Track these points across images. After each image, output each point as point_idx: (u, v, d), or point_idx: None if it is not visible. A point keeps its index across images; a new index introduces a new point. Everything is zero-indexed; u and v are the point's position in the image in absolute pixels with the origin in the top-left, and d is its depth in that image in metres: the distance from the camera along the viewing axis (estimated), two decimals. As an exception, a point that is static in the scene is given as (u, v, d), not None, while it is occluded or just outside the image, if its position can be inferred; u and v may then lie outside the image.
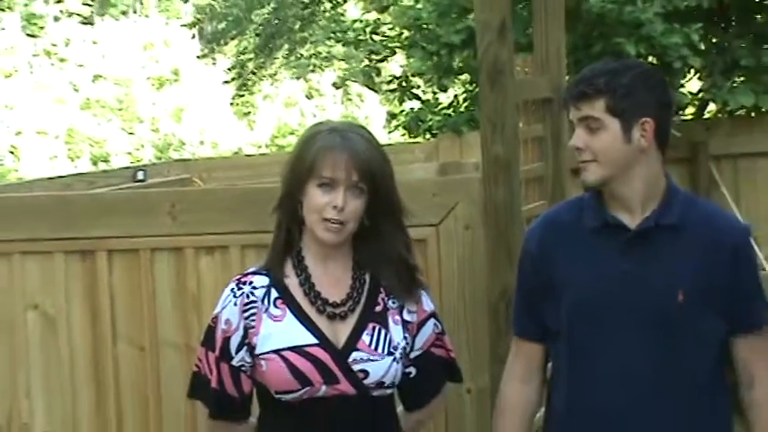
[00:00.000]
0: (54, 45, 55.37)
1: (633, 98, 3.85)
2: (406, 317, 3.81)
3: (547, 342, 4.06)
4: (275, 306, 3.71)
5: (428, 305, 3.89)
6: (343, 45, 18.52)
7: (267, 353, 3.68)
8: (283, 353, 3.66)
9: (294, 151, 3.77)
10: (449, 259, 5.06)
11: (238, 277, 3.78)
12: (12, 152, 48.78)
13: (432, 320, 3.89)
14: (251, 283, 3.74)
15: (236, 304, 3.72)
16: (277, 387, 3.68)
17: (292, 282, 3.76)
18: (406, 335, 3.80)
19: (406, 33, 13.92)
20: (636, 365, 3.86)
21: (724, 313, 3.89)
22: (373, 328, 3.74)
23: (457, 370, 4.02)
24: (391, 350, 3.73)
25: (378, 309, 3.76)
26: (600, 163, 3.87)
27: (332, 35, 19.84)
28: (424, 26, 12.88)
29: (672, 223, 3.88)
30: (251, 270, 3.79)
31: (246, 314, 3.71)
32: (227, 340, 3.72)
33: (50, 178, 11.82)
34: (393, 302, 3.81)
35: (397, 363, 3.75)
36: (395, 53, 15.67)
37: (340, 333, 3.72)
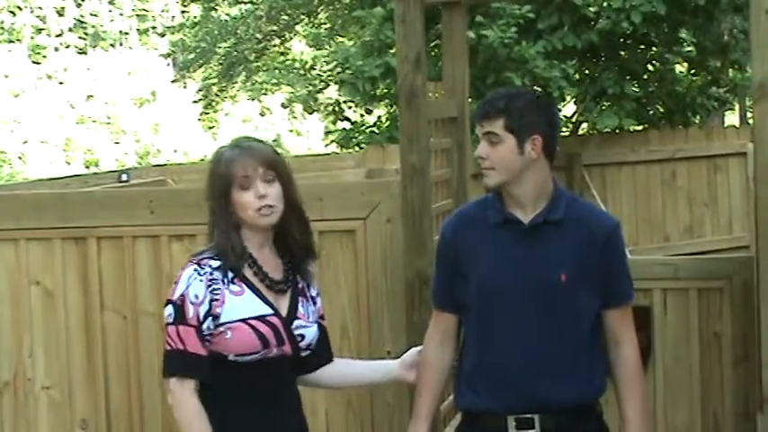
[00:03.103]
0: (55, 71, 54.86)
1: (526, 118, 3.89)
2: (312, 292, 3.86)
3: (460, 314, 4.07)
4: (233, 284, 3.68)
5: (317, 287, 3.92)
6: (288, 83, 18.52)
7: (234, 322, 3.64)
8: (250, 321, 3.65)
9: (209, 175, 3.75)
10: (374, 246, 5.06)
11: (196, 260, 3.71)
12: (20, 157, 48.34)
13: (319, 299, 3.91)
14: (210, 264, 3.69)
15: (201, 281, 3.65)
16: (241, 350, 3.65)
17: (243, 265, 3.72)
18: (315, 307, 3.86)
19: (338, 68, 13.95)
20: (528, 331, 3.90)
21: (598, 291, 3.92)
22: (302, 301, 3.79)
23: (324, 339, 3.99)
24: (315, 319, 3.79)
25: (300, 286, 3.81)
26: (498, 170, 3.91)
27: (276, 69, 19.84)
28: (353, 64, 12.90)
29: (557, 219, 3.92)
30: (205, 256, 3.71)
31: (211, 288, 3.65)
32: (197, 312, 3.64)
33: (51, 179, 11.69)
34: (304, 281, 3.84)
35: (318, 329, 3.78)
36: (329, 86, 15.72)
37: (282, 305, 3.74)
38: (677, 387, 5.18)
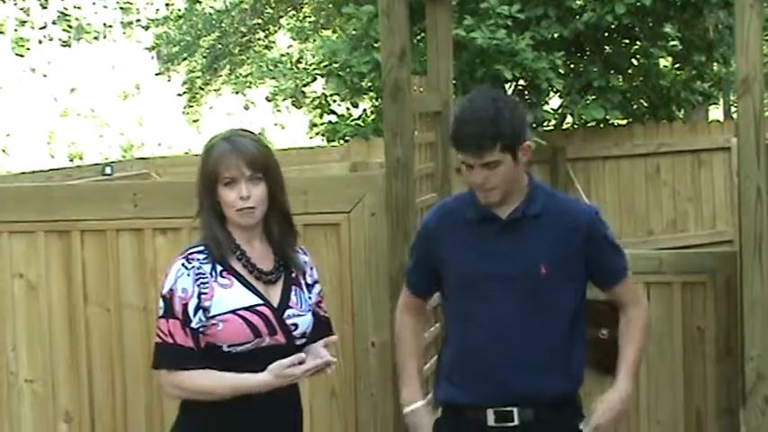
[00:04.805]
0: (38, 64, 54.68)
1: (515, 132, 3.91)
2: (308, 279, 3.91)
3: (429, 298, 4.25)
4: (222, 277, 3.74)
5: (316, 274, 3.98)
6: (273, 77, 18.51)
7: (224, 313, 3.69)
8: (239, 312, 3.71)
9: (199, 166, 3.81)
10: (358, 239, 5.07)
11: (185, 255, 3.78)
12: (3, 150, 48.18)
13: (317, 286, 3.96)
14: (198, 259, 3.76)
15: (189, 275, 3.72)
16: (233, 341, 3.71)
17: (231, 258, 3.77)
18: (311, 295, 3.89)
19: (325, 62, 13.96)
20: (506, 325, 3.93)
21: (579, 286, 3.96)
22: (295, 290, 3.83)
23: (330, 326, 4.02)
24: (309, 307, 3.84)
25: (293, 275, 3.85)
26: (499, 188, 3.93)
27: (262, 66, 19.84)
28: (340, 58, 12.90)
29: (535, 213, 3.96)
30: (193, 250, 3.78)
31: (198, 282, 3.71)
32: (185, 306, 3.70)
33: (34, 172, 11.66)
34: (298, 270, 3.88)
35: (312, 317, 3.82)
36: (315, 79, 15.71)
37: (273, 295, 3.80)
38: (660, 381, 5.20)
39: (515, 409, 3.94)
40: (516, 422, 3.94)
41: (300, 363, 3.71)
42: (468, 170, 3.94)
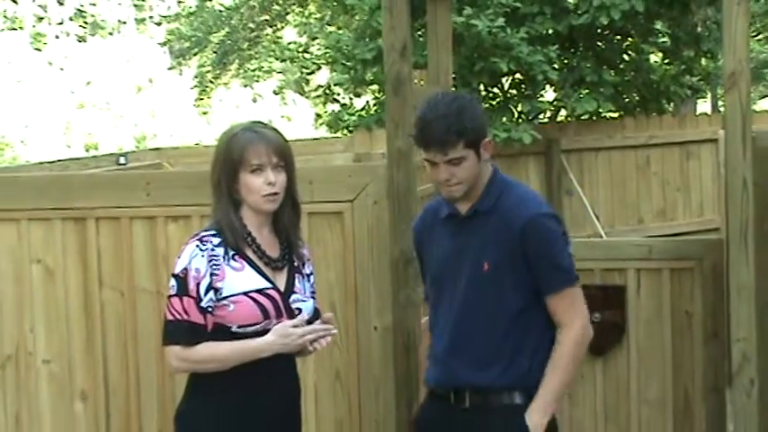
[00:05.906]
0: (55, 58, 54.68)
1: (476, 128, 3.93)
2: (306, 270, 3.96)
3: None
4: (234, 260, 3.78)
5: (312, 267, 4.04)
6: (281, 62, 18.55)
7: (236, 295, 3.73)
8: (251, 294, 3.76)
9: (219, 152, 3.81)
10: (361, 227, 5.06)
11: (199, 237, 3.81)
12: (22, 141, 48.20)
13: (312, 277, 4.02)
14: (211, 242, 3.78)
15: (203, 256, 3.75)
16: (243, 321, 3.75)
17: (243, 244, 3.80)
18: (310, 284, 3.96)
19: (330, 52, 13.98)
20: (458, 318, 4.02)
21: (523, 281, 3.95)
22: (298, 278, 3.86)
23: (320, 315, 4.00)
24: (310, 294, 3.85)
25: (296, 263, 3.88)
26: (463, 183, 3.94)
27: (271, 53, 19.88)
28: (345, 47, 12.93)
29: (487, 209, 3.99)
30: (206, 233, 3.80)
31: (211, 264, 3.74)
32: (198, 285, 3.73)
33: (52, 161, 11.66)
34: (299, 260, 3.93)
35: (314, 303, 3.84)
36: (320, 68, 15.72)
37: (280, 280, 3.84)
38: (650, 363, 5.21)
39: (467, 393, 4.02)
40: (467, 405, 4.02)
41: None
42: (432, 168, 3.98)
